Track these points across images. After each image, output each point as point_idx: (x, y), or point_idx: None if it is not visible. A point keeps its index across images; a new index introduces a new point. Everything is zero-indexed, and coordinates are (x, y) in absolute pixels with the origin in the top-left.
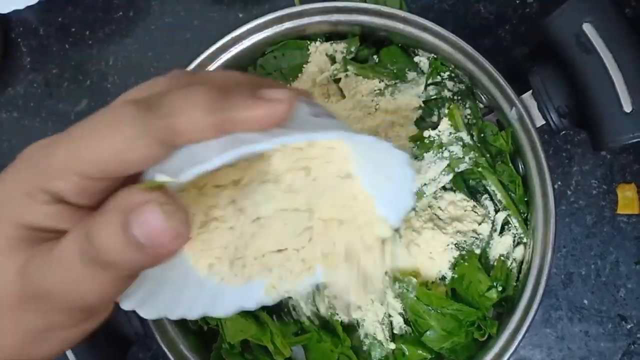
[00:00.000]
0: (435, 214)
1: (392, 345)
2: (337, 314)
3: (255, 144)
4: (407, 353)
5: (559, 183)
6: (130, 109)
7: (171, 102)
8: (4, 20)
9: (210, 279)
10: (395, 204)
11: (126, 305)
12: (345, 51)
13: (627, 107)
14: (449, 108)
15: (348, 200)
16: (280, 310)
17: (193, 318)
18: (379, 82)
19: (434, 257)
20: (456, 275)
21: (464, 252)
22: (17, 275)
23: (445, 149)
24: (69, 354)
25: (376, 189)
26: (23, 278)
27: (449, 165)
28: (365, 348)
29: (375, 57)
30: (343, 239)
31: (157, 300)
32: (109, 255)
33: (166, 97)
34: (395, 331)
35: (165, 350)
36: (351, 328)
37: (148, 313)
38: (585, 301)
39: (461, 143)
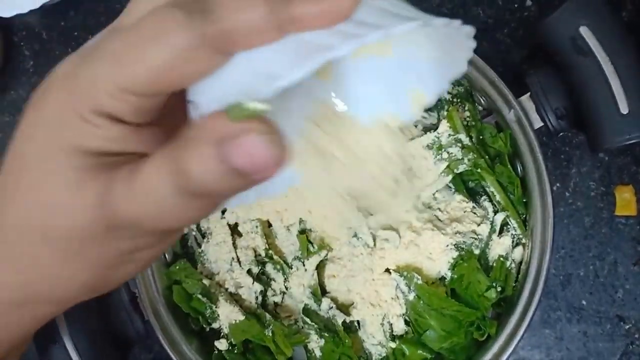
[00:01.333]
0: (435, 215)
1: (393, 345)
2: (337, 315)
3: (331, 50)
4: (407, 353)
5: (558, 185)
6: (177, 16)
7: (222, 3)
8: (7, 25)
9: None
10: (444, 75)
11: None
12: None
13: (624, 109)
14: (447, 110)
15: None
16: (280, 311)
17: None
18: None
19: (434, 257)
20: (455, 276)
21: (463, 253)
22: (97, 207)
23: (445, 150)
24: (73, 354)
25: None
26: (105, 209)
27: (448, 166)
28: (365, 348)
29: None
30: None
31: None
32: (206, 185)
33: None
34: (395, 331)
35: (167, 349)
36: (352, 328)
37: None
38: (584, 302)
39: (460, 144)
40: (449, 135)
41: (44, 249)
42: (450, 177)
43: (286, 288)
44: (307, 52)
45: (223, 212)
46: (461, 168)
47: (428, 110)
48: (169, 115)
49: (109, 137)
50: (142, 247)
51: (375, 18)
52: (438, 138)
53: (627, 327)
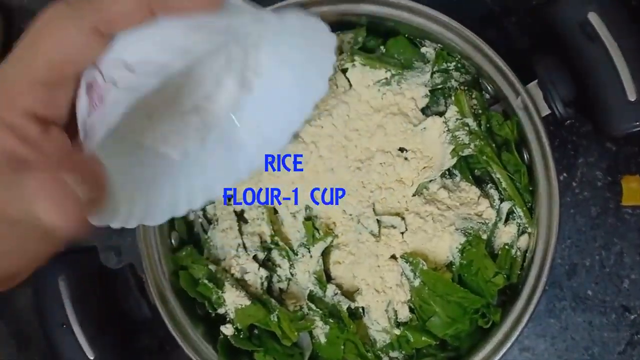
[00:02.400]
0: (441, 201)
1: (397, 331)
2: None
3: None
4: (411, 339)
5: (564, 174)
6: (60, 8)
7: None
8: (9, 9)
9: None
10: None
11: (113, 223)
12: (352, 41)
13: (632, 96)
14: (455, 94)
15: None
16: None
17: (195, 206)
18: (385, 71)
19: (441, 243)
20: (465, 262)
21: (470, 238)
22: None
23: (451, 134)
24: (80, 336)
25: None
26: None
27: (454, 149)
28: (370, 334)
29: (382, 48)
30: None
31: (156, 205)
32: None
33: None
34: (399, 318)
35: (173, 334)
36: (357, 315)
37: (155, 219)
38: (589, 292)
39: (467, 129)
40: (457, 119)
41: None
42: (455, 159)
43: (292, 274)
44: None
45: (229, 198)
46: (466, 152)
47: (436, 98)
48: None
49: (23, 136)
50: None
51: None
52: (445, 123)
53: (633, 317)
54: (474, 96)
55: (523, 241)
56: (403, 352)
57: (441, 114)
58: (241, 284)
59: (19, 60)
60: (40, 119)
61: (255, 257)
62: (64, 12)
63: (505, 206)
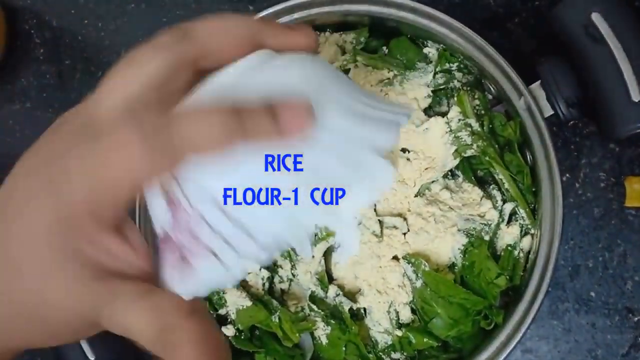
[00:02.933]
0: (444, 202)
1: (399, 333)
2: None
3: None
4: (413, 341)
5: (567, 175)
6: (133, 135)
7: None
8: (14, 10)
9: None
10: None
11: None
12: (354, 42)
13: (636, 97)
14: (458, 95)
15: None
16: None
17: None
18: (388, 72)
19: (443, 244)
20: (467, 263)
21: (472, 239)
22: (90, 311)
23: (454, 135)
24: (84, 344)
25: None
26: (96, 316)
27: (456, 150)
28: (371, 336)
29: (384, 48)
30: None
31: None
32: None
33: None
34: (401, 319)
35: None
36: (358, 316)
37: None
38: (592, 293)
39: (470, 129)
40: (459, 120)
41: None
42: (457, 160)
43: (293, 275)
44: None
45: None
46: (469, 153)
47: (439, 98)
48: None
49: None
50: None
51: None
52: (448, 124)
53: (636, 319)
54: (476, 97)
55: (526, 242)
56: (405, 353)
57: (444, 114)
58: (242, 284)
59: (85, 172)
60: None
61: None
62: (133, 136)
63: (508, 207)
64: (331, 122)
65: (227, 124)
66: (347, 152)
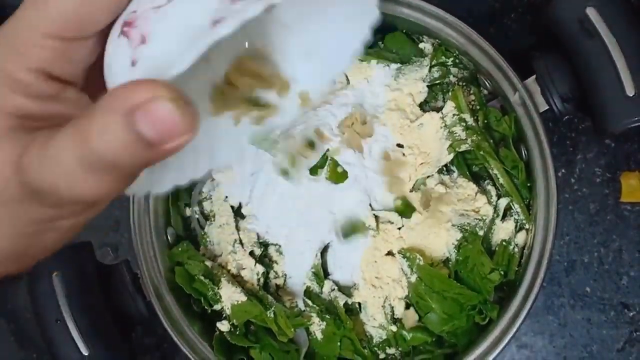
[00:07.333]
0: (439, 197)
1: (393, 328)
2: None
3: (216, 33)
4: (408, 337)
5: (563, 171)
6: None
7: None
8: (13, 8)
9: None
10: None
11: (137, 192)
12: None
13: (630, 91)
14: (452, 90)
15: None
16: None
17: (199, 175)
18: (384, 66)
19: (438, 239)
20: (461, 258)
21: (467, 235)
22: (13, 170)
23: (449, 130)
24: (74, 332)
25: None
26: (20, 173)
27: (450, 145)
28: (366, 331)
29: (380, 43)
30: None
31: (163, 173)
32: (112, 157)
33: None
34: (396, 314)
35: (169, 330)
36: (354, 311)
37: (162, 187)
38: (588, 289)
39: (464, 124)
40: (454, 115)
41: None
42: (452, 155)
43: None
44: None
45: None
46: (463, 148)
47: (434, 93)
48: (96, 86)
49: (32, 95)
50: (65, 216)
51: None
52: (442, 119)
53: (631, 314)
54: (471, 92)
55: (521, 237)
56: (400, 348)
57: (439, 109)
58: (237, 280)
59: (29, 9)
60: (54, 78)
61: (251, 253)
62: None
63: (503, 202)
64: None
65: None
66: None
